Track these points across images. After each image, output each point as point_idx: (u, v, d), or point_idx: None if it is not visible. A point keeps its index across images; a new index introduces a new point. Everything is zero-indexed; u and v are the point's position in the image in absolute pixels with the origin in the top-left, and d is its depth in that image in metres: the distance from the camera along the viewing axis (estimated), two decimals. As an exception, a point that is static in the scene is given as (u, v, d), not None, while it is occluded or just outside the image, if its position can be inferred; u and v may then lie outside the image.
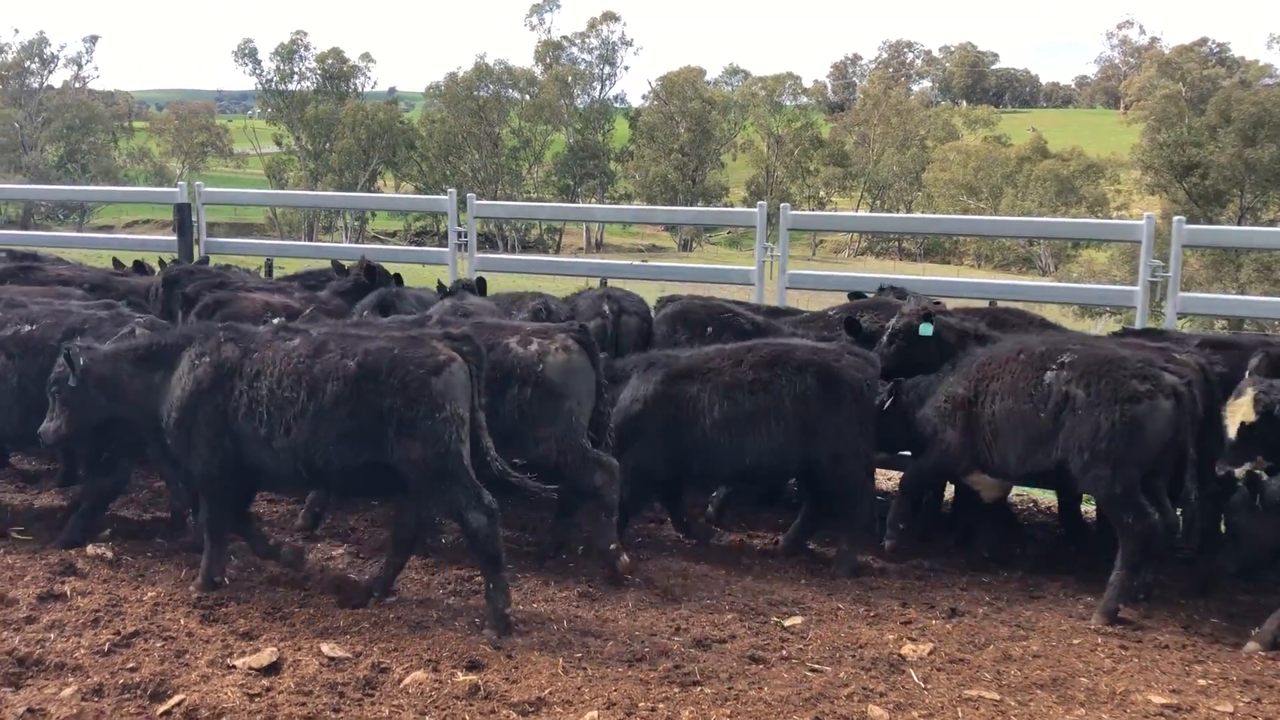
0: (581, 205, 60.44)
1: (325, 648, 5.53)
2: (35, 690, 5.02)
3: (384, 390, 5.73)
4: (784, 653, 5.73)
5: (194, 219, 10.74)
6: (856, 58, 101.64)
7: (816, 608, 6.40)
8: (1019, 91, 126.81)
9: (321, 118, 76.56)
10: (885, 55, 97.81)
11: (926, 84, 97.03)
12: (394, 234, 79.33)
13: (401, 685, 5.19)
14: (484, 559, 5.87)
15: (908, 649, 5.81)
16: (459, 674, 5.31)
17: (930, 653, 5.77)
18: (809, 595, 6.58)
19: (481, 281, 8.61)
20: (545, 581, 6.61)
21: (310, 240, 64.49)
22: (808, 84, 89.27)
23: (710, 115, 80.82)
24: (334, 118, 76.34)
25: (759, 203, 9.54)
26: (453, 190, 10.34)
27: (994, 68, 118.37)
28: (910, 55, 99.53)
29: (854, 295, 8.33)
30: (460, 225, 10.04)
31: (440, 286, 8.65)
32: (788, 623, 6.12)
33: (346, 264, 9.43)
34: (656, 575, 6.81)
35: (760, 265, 9.08)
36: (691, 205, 75.84)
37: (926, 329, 7.04)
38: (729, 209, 61.61)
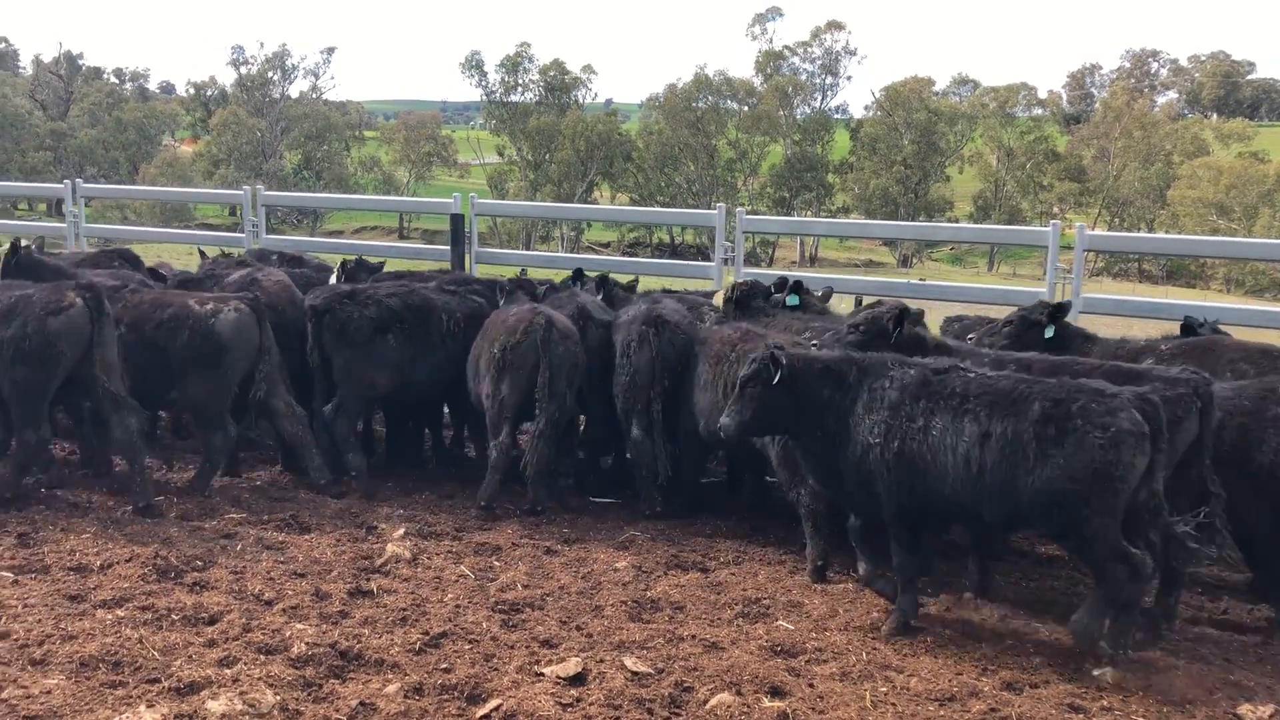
0: (800, 219, 59.91)
1: (628, 662, 5.62)
2: (361, 684, 5.28)
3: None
4: (1104, 703, 5.47)
5: (466, 230, 11.18)
6: (1095, 67, 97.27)
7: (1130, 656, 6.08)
8: (1277, 103, 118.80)
9: (543, 129, 78.71)
10: (1128, 64, 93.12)
11: (1173, 95, 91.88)
12: (607, 245, 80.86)
13: (708, 706, 5.21)
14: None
15: (1244, 709, 5.45)
16: (764, 699, 5.29)
17: (1271, 715, 5.40)
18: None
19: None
20: (833, 611, 6.53)
21: (528, 249, 66.29)
22: (1042, 94, 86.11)
23: (936, 126, 78.95)
24: (554, 129, 78.35)
25: (1051, 222, 9.20)
26: (721, 205, 10.41)
27: (1249, 78, 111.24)
28: (1155, 65, 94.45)
29: (1187, 328, 7.67)
30: (727, 240, 10.10)
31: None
32: (1096, 671, 5.84)
33: (590, 274, 9.77)
34: (948, 613, 6.65)
35: (1051, 287, 8.75)
36: (913, 219, 74.30)
37: None
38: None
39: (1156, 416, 5.70)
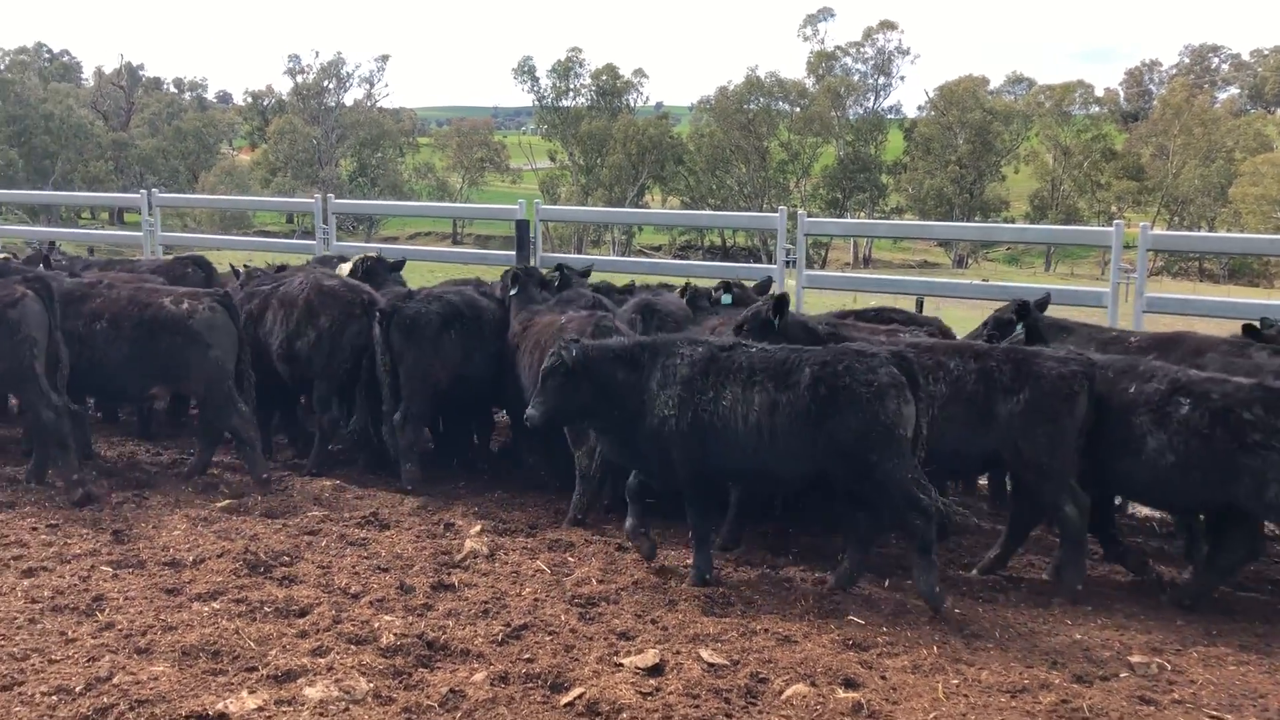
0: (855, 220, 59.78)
1: (704, 654, 5.79)
2: (448, 673, 5.50)
3: None
4: (1175, 696, 5.56)
5: (530, 235, 11.43)
6: (1154, 64, 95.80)
7: (1198, 651, 6.17)
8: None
9: (594, 133, 79.15)
10: (1187, 60, 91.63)
11: (1234, 90, 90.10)
12: (659, 248, 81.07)
13: (784, 696, 5.37)
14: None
15: (1323, 702, 5.51)
16: (838, 690, 5.44)
17: (1347, 707, 5.46)
18: (1186, 636, 6.35)
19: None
20: (903, 606, 6.67)
21: (581, 253, 66.65)
22: (1099, 92, 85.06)
23: (991, 126, 78.32)
24: (606, 133, 78.76)
25: (1114, 222, 9.24)
26: (783, 208, 10.56)
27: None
28: (1216, 60, 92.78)
29: (1249, 330, 7.74)
30: (788, 243, 10.26)
31: None
32: (1170, 663, 5.93)
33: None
34: (1016, 608, 6.76)
35: (1114, 287, 8.80)
36: (968, 219, 73.77)
37: None
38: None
39: (912, 371, 6.55)
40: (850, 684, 5.53)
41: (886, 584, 7.06)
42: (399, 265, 10.50)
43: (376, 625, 5.94)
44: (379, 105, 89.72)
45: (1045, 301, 8.67)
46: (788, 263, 10.26)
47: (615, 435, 7.02)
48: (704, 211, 62.57)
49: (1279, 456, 6.38)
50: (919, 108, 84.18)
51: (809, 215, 11.03)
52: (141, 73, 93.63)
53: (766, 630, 6.18)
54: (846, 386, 6.41)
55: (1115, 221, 9.23)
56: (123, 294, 8.72)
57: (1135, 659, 5.97)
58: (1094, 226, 54.40)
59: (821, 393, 6.43)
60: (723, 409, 6.60)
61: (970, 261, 76.15)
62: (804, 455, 6.55)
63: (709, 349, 6.81)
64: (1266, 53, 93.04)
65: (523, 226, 11.40)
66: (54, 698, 5.05)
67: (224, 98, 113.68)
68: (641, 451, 6.91)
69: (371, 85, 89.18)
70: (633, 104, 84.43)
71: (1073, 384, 6.86)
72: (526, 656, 5.70)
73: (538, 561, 7.14)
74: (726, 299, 9.14)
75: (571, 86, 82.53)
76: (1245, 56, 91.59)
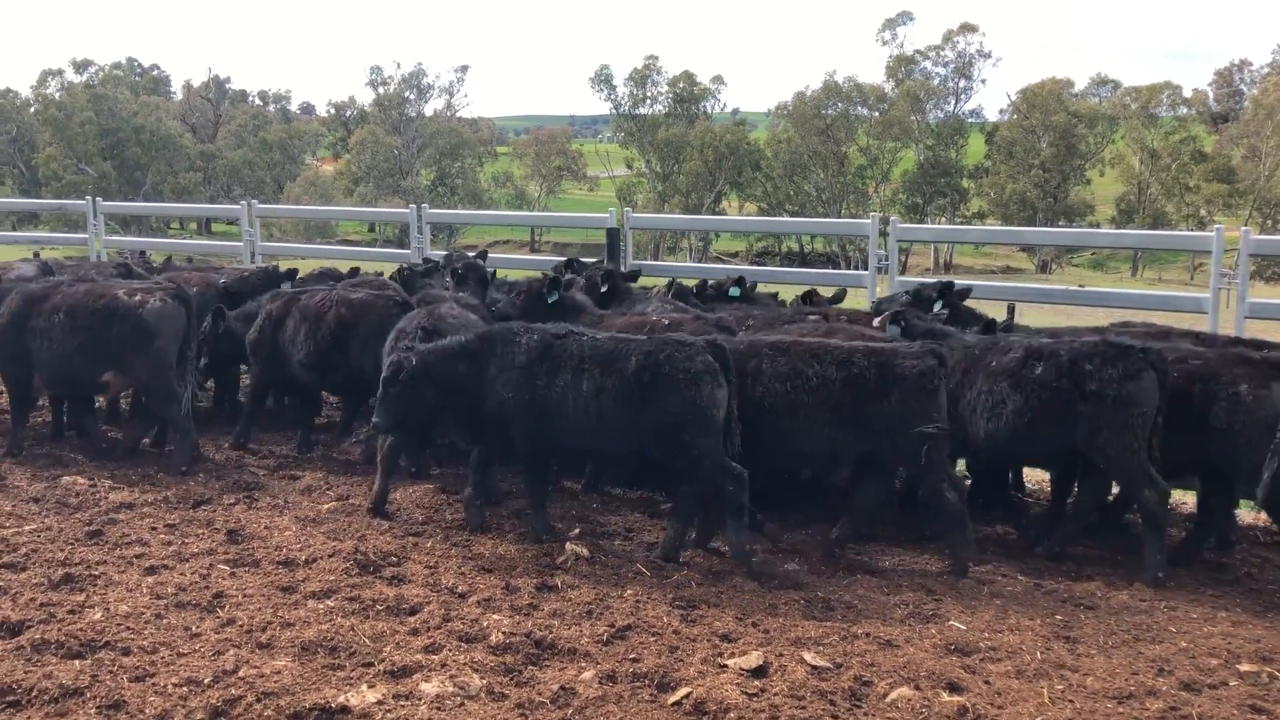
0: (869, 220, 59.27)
1: (807, 656, 5.86)
2: (558, 671, 5.65)
3: None
4: (1289, 706, 5.51)
5: (620, 243, 11.60)
6: (1245, 63, 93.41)
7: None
8: None
9: (671, 140, 79.43)
10: (1279, 59, 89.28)
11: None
12: (735, 254, 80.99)
13: (888, 700, 5.42)
14: None
15: None
16: (943, 694, 5.48)
17: None
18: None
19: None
20: (1004, 611, 6.68)
21: (657, 260, 66.83)
22: (1187, 93, 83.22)
23: (1076, 129, 77.05)
24: (683, 140, 78.98)
25: (1215, 227, 9.13)
26: (875, 214, 10.58)
27: None
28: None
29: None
30: (881, 249, 10.28)
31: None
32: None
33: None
34: (1123, 610, 6.74)
35: (1215, 293, 8.69)
36: (1052, 224, 72.61)
37: None
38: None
39: (725, 359, 7.21)
40: (954, 688, 5.56)
41: (986, 590, 7.07)
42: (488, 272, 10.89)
43: (485, 624, 6.10)
44: (458, 115, 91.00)
45: (966, 293, 9.84)
46: (880, 268, 10.28)
47: (458, 418, 7.72)
48: (794, 219, 62.51)
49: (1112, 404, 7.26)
50: (1001, 111, 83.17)
51: (901, 222, 10.99)
52: (228, 85, 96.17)
53: (867, 634, 6.23)
54: (667, 373, 7.09)
55: (1216, 226, 9.11)
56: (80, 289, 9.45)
57: (1244, 667, 5.92)
58: (1190, 231, 53.40)
59: (645, 379, 7.12)
60: (556, 392, 7.27)
61: (1054, 267, 74.97)
62: (628, 434, 7.24)
63: (544, 337, 7.46)
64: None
65: (613, 234, 11.57)
66: (185, 689, 5.28)
67: (307, 109, 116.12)
68: (484, 431, 7.63)
69: (451, 95, 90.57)
70: (709, 111, 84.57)
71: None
72: (632, 656, 5.82)
73: (637, 564, 7.27)
74: (734, 291, 10.09)
75: (648, 94, 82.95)
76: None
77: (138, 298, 9.17)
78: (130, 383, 9.66)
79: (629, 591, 6.77)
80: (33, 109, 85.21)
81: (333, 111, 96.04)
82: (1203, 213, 77.18)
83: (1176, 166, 76.33)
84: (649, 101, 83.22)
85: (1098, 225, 75.52)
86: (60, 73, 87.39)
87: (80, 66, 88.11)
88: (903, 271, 57.47)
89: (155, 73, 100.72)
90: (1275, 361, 7.35)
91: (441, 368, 7.52)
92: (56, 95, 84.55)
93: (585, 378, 7.27)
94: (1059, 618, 6.59)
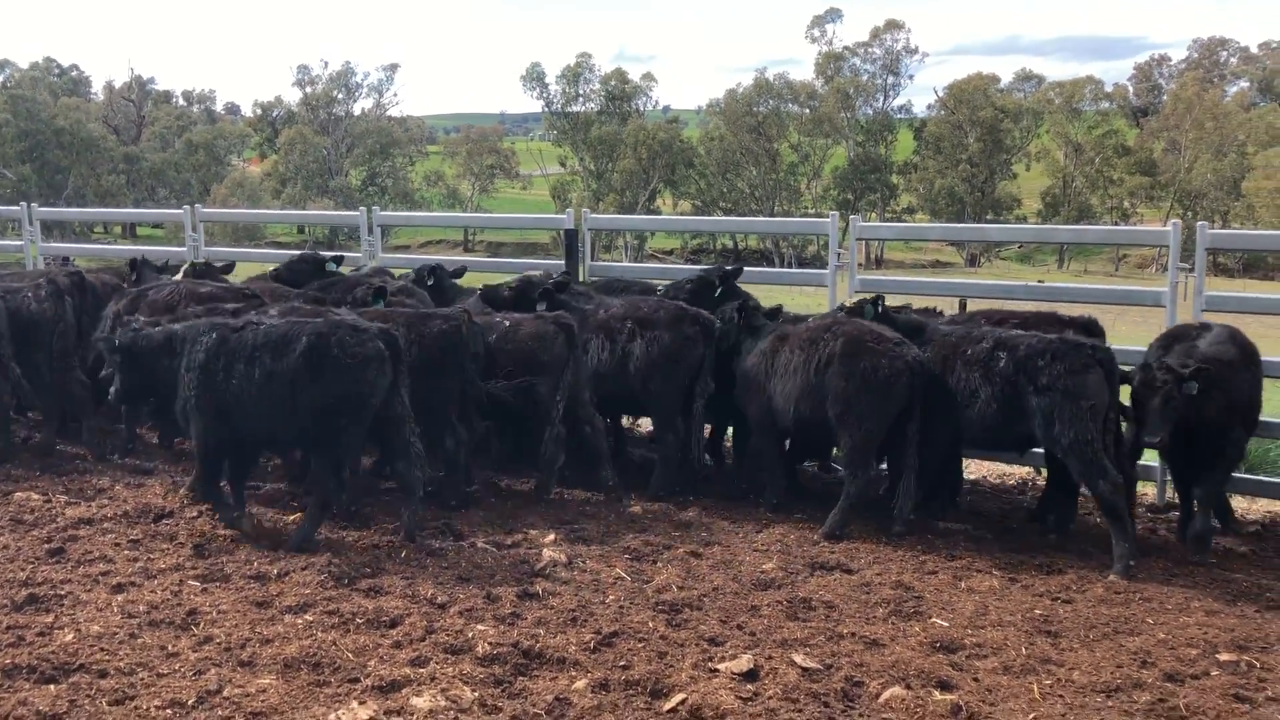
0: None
1: (797, 658, 5.85)
2: (549, 681, 5.57)
3: None
4: (1269, 693, 5.62)
5: (579, 244, 11.51)
6: (1164, 58, 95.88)
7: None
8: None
9: (605, 138, 79.40)
10: (1196, 55, 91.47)
11: (1244, 84, 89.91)
12: (670, 252, 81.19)
13: (881, 700, 5.43)
14: None
15: None
16: (935, 693, 5.50)
17: None
18: (1270, 633, 6.41)
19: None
20: (983, 606, 6.73)
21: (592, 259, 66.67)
22: (1108, 88, 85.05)
23: (1002, 123, 78.41)
24: (616, 138, 79.00)
25: (1171, 222, 9.29)
26: (834, 212, 10.62)
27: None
28: (1225, 54, 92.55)
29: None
30: (840, 247, 10.33)
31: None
32: (1258, 661, 5.99)
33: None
34: (1099, 603, 6.83)
35: (1173, 286, 8.84)
36: (979, 219, 73.78)
37: None
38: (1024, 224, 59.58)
39: (395, 344, 7.39)
40: (945, 686, 5.59)
41: (964, 585, 7.12)
42: (460, 273, 10.71)
43: (470, 635, 6.01)
44: (388, 114, 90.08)
45: (738, 272, 10.10)
46: (839, 266, 10.33)
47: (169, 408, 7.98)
48: (754, 219, 62.55)
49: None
50: (929, 107, 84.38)
51: (863, 219, 11.05)
52: (151, 86, 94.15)
53: (852, 634, 6.24)
54: (334, 357, 7.18)
55: (1173, 221, 9.28)
56: None
57: (1223, 656, 6.03)
58: (1129, 226, 54.42)
59: (312, 361, 7.19)
60: (232, 385, 7.33)
61: (983, 260, 76.19)
62: (292, 418, 7.30)
63: (222, 332, 7.53)
64: (1275, 45, 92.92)
65: (571, 235, 11.47)
66: (169, 711, 5.12)
67: (233, 109, 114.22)
68: (188, 421, 7.78)
69: (380, 94, 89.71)
70: (642, 108, 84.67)
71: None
72: (622, 664, 5.77)
73: (616, 569, 7.21)
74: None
75: (581, 92, 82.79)
76: (1254, 49, 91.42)
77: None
78: None
79: (611, 597, 6.71)
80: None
81: (259, 112, 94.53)
82: (1126, 205, 78.98)
83: (1100, 160, 78.05)
84: (581, 99, 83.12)
85: (1024, 219, 76.98)
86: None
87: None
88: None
89: (75, 73, 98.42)
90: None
91: (145, 353, 7.87)
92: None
93: (256, 365, 7.39)
94: (1038, 612, 6.66)
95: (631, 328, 9.00)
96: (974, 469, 10.02)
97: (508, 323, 9.02)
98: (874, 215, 78.28)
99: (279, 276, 11.22)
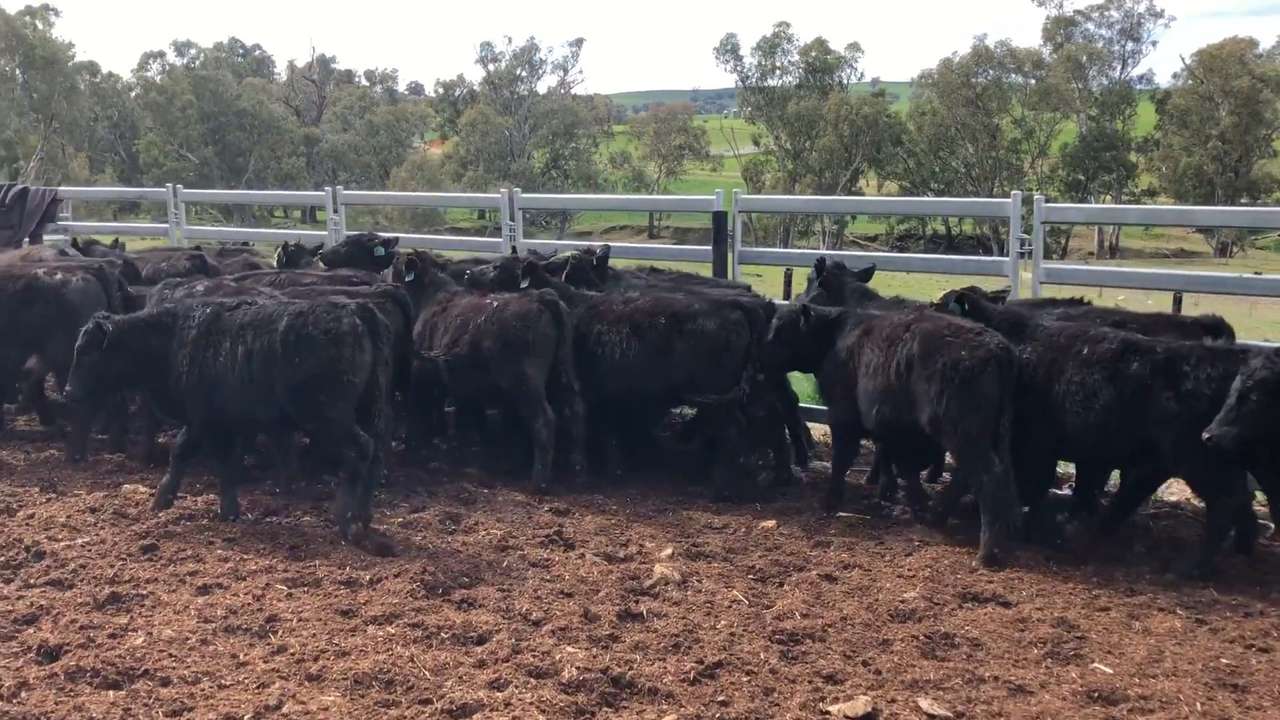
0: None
1: (923, 703, 5.51)
2: (635, 714, 5.39)
3: None
4: None
5: (728, 227, 11.26)
6: None
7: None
8: None
9: (803, 114, 78.47)
10: None
11: None
12: (874, 238, 79.80)
13: (1016, 758, 5.04)
14: None
15: None
16: (1082, 753, 5.07)
17: None
18: None
19: None
20: (1158, 651, 6.20)
21: (786, 246, 66.07)
22: (1395, 50, 78.92)
23: (1261, 94, 73.72)
24: (816, 114, 77.99)
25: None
26: (1016, 193, 10.03)
27: None
28: None
29: None
30: (1023, 233, 9.74)
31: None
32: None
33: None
34: None
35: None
36: (1232, 203, 69.73)
37: None
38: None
39: (374, 321, 7.79)
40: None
41: (1138, 626, 6.59)
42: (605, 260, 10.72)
43: (558, 657, 5.89)
44: (573, 92, 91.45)
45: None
46: (1022, 254, 9.76)
47: (155, 393, 8.39)
48: (923, 198, 61.24)
49: None
50: (1174, 76, 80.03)
51: (1046, 199, 10.42)
52: (333, 65, 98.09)
53: (995, 678, 5.84)
54: (310, 335, 7.58)
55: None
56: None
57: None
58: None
59: (291, 340, 7.59)
60: (219, 363, 7.77)
61: (1235, 250, 71.97)
62: (271, 397, 7.74)
63: (216, 309, 7.97)
64: None
65: (720, 218, 11.21)
66: (221, 727, 5.19)
67: (415, 89, 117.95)
68: (174, 406, 8.21)
69: (565, 72, 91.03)
70: (845, 81, 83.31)
71: None
72: (721, 699, 5.54)
73: (734, 590, 6.98)
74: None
75: (778, 64, 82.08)
76: None
77: (59, 276, 9.72)
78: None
79: (723, 622, 6.49)
80: (134, 93, 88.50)
81: (441, 91, 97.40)
82: None
83: (1382, 134, 72.57)
84: (778, 73, 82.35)
85: (1288, 202, 72.31)
86: (161, 55, 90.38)
87: (182, 48, 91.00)
88: (1062, 256, 55.62)
89: (258, 53, 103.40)
90: None
91: (132, 339, 8.06)
92: (157, 79, 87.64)
93: (241, 344, 7.83)
94: (1225, 661, 6.09)
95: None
96: (1176, 491, 9.30)
97: (495, 302, 9.36)
98: (1108, 197, 74.96)
99: (332, 262, 11.66)
